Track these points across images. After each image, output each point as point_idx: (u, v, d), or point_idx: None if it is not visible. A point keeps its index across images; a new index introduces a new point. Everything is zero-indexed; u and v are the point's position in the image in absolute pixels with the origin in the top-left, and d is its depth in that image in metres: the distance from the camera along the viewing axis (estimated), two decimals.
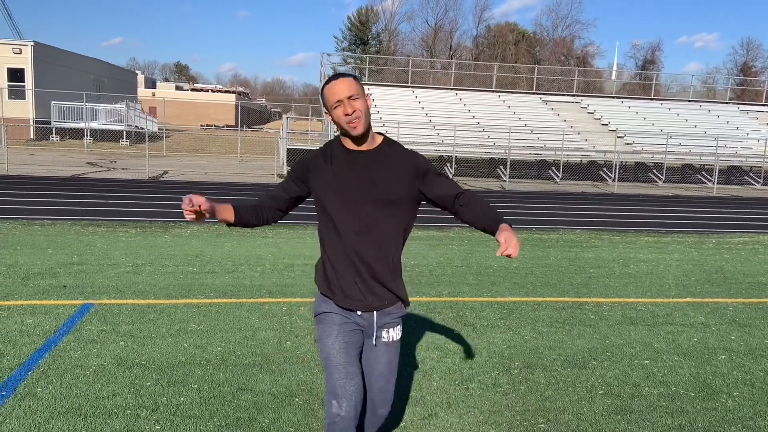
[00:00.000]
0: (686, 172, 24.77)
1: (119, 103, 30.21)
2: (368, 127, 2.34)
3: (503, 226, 2.29)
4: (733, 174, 25.06)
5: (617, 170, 20.36)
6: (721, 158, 22.21)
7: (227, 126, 54.90)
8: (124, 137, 28.26)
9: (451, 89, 29.15)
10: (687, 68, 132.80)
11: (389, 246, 2.38)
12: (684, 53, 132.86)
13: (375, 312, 2.42)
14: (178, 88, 75.81)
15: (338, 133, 2.43)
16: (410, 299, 5.19)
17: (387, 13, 69.99)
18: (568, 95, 30.36)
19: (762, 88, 35.93)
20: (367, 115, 2.31)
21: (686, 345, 4.84)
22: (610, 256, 8.42)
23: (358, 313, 2.41)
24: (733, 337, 5.08)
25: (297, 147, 21.62)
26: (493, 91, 29.39)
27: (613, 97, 30.93)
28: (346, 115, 2.26)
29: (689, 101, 30.92)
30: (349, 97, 2.26)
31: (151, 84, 72.00)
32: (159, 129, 33.02)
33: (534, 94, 29.94)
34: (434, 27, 70.15)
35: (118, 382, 3.73)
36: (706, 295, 6.50)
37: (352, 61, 55.14)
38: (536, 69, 33.30)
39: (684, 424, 3.48)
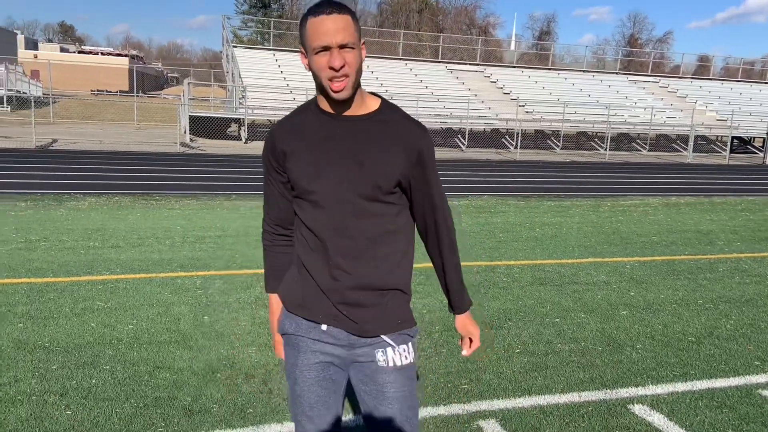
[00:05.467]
0: (581, 140, 26.11)
1: None
2: (356, 89, 1.66)
3: (462, 317, 1.99)
4: (622, 141, 26.70)
5: (519, 138, 21.11)
6: (612, 126, 23.57)
7: (120, 92, 51.65)
8: (5, 102, 25.89)
9: None
10: (582, 40, 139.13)
11: (379, 248, 1.74)
12: (579, 26, 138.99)
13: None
14: (63, 50, 70.23)
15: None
16: None
17: None
18: (471, 64, 30.96)
19: (647, 60, 38.36)
20: (359, 72, 1.63)
21: (591, 302, 5.14)
22: (517, 221, 8.75)
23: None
24: (632, 294, 5.45)
25: (201, 114, 20.71)
26: (399, 59, 29.41)
27: (514, 67, 31.86)
28: (331, 68, 1.58)
29: (583, 71, 32.44)
30: (341, 46, 1.57)
31: (32, 45, 66.30)
32: (44, 94, 30.51)
33: (439, 62, 30.27)
34: None
35: (19, 366, 3.45)
36: (606, 255, 6.91)
37: (253, 24, 53.27)
38: (440, 38, 33.57)
39: (595, 377, 3.69)
